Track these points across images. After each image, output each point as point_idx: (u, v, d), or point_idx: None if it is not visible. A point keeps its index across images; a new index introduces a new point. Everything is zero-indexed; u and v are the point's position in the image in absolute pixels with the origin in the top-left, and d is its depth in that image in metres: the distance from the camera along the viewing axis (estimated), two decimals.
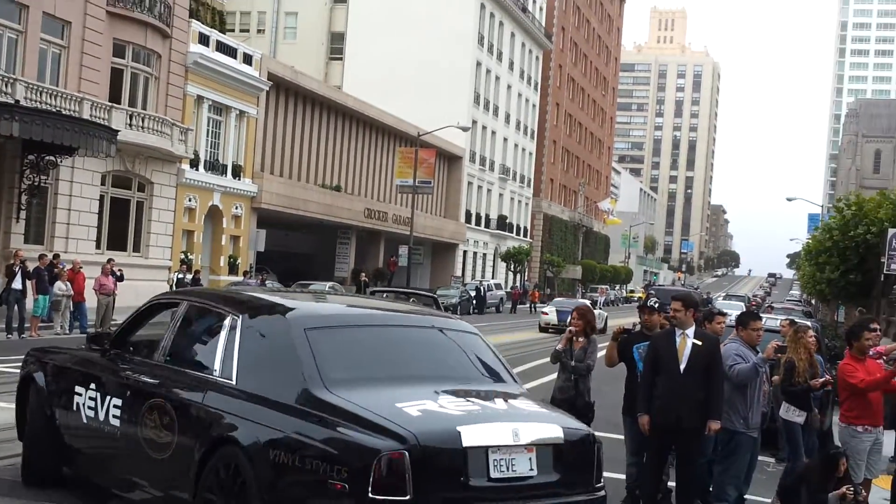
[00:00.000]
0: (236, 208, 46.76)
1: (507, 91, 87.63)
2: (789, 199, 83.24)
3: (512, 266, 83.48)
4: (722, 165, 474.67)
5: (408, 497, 5.99)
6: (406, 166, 60.38)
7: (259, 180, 48.40)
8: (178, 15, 40.06)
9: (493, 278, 78.35)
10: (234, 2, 70.40)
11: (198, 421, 7.10)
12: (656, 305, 11.07)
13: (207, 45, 42.92)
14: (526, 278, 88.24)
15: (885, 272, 25.91)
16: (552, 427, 6.80)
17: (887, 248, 23.60)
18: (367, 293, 28.64)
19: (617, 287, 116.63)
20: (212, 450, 6.85)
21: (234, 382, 7.05)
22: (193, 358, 7.80)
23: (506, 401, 7.09)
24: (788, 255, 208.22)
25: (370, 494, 5.94)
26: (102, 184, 36.91)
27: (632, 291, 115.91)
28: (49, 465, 8.93)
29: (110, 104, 35.55)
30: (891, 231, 24.40)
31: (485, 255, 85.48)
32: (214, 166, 44.79)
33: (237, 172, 46.51)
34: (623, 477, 10.80)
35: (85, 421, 8.40)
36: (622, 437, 10.91)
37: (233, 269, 45.91)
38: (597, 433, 6.54)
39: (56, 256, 29.33)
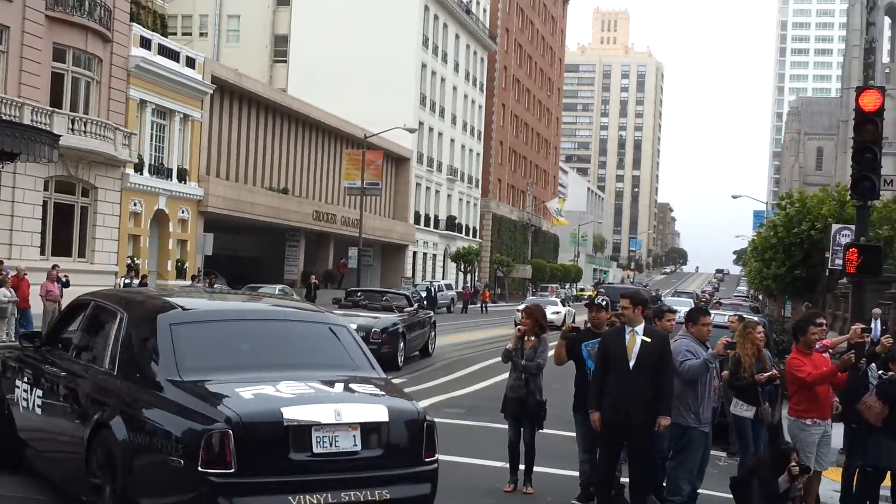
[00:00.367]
0: (183, 212, 46.35)
1: (453, 92, 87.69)
2: (734, 197, 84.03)
3: (462, 266, 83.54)
4: (668, 164, 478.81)
5: (232, 470, 6.75)
6: (353, 168, 60.24)
7: (205, 184, 48.02)
8: (118, 19, 39.61)
9: (443, 279, 78.34)
10: (175, 5, 69.69)
11: (86, 408, 8.03)
12: (603, 303, 11.11)
13: (149, 49, 42.50)
14: (476, 278, 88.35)
15: (829, 267, 26.18)
16: (378, 408, 7.47)
17: (831, 244, 23.83)
18: (346, 296, 29.92)
19: (567, 286, 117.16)
20: (93, 434, 7.68)
21: (114, 372, 8.00)
22: (91, 352, 8.73)
23: (347, 385, 7.78)
24: (735, 252, 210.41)
25: (199, 469, 6.71)
26: (45, 189, 36.42)
27: (582, 290, 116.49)
28: (9, 449, 9.54)
29: (51, 109, 35.08)
30: (834, 227, 24.67)
31: (434, 255, 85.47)
32: (159, 170, 44.36)
33: (183, 176, 46.11)
34: (577, 474, 10.82)
35: (21, 411, 9.32)
36: (575, 434, 10.92)
37: (180, 273, 45.49)
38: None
39: (0, 263, 28.85)
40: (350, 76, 73.91)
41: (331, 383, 7.77)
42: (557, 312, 49.35)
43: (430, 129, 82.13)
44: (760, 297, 78.91)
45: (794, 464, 9.96)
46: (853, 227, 18.59)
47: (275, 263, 61.41)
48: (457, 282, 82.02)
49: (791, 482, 9.99)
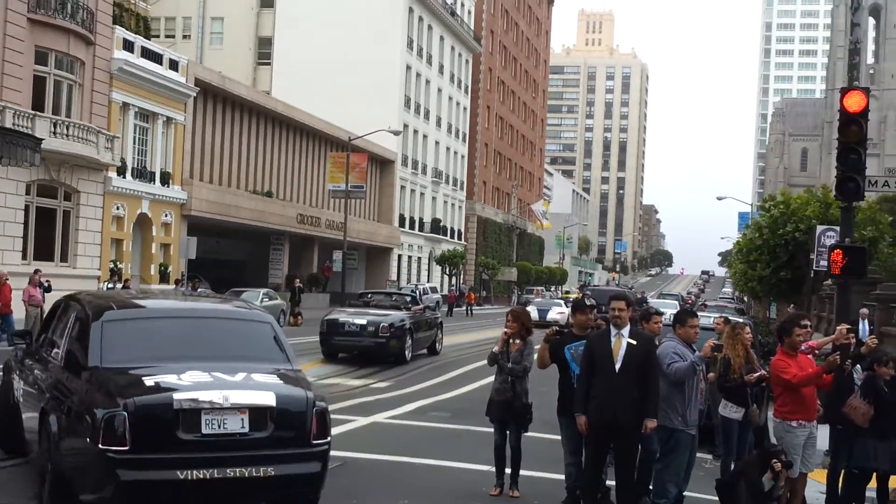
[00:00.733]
0: (166, 216, 46.16)
1: (438, 94, 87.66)
2: (719, 199, 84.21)
3: (447, 269, 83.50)
4: (653, 166, 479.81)
5: (127, 447, 7.71)
6: (338, 171, 60.13)
7: (188, 187, 47.84)
8: (101, 21, 39.42)
9: (428, 282, 78.25)
10: (158, 7, 69.55)
11: (40, 395, 9.20)
12: (590, 305, 11.06)
13: (132, 52, 42.32)
14: (461, 281, 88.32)
15: (814, 268, 26.19)
16: (266, 394, 8.32)
17: (816, 245, 23.84)
18: (359, 297, 32.32)
19: (553, 288, 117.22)
20: (42, 418, 8.80)
21: (62, 364, 9.22)
22: (55, 347, 9.81)
23: (249, 375, 8.57)
24: (720, 254, 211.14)
25: (99, 445, 7.69)
26: (27, 193, 36.20)
27: (567, 292, 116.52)
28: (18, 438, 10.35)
29: (33, 112, 34.88)
30: (819, 228, 24.68)
31: (419, 258, 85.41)
32: (142, 174, 44.18)
33: (166, 179, 45.92)
34: (563, 477, 10.76)
35: (13, 402, 10.51)
36: (560, 437, 10.87)
37: (164, 277, 45.32)
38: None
39: None
40: (334, 78, 73.83)
41: (233, 372, 8.52)
42: (562, 312, 51.66)
43: (415, 132, 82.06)
44: (745, 298, 79.07)
45: (775, 460, 9.94)
46: (838, 228, 18.60)
47: (259, 267, 61.24)
48: (442, 284, 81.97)
49: (775, 479, 9.97)
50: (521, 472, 11.23)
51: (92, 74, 39.11)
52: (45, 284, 28.68)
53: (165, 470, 7.84)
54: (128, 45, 42.11)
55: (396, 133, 66.75)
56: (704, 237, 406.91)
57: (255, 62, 77.77)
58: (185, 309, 10.28)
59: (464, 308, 71.02)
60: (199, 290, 37.90)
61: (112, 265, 40.28)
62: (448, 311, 66.62)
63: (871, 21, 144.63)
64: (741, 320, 14.85)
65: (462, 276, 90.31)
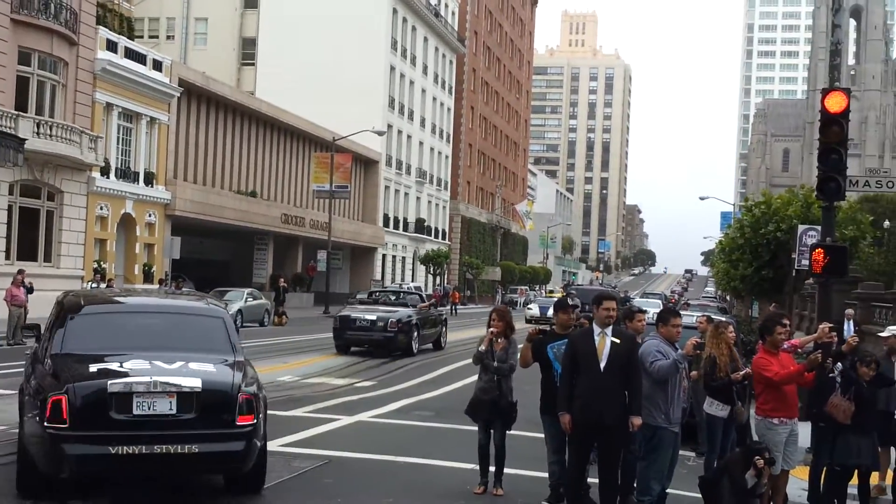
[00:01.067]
0: (150, 216, 46.08)
1: (422, 95, 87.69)
2: (702, 198, 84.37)
3: (431, 269, 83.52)
4: (636, 166, 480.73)
5: (66, 425, 8.74)
6: (322, 171, 60.12)
7: (172, 187, 47.77)
8: (84, 22, 39.33)
9: (412, 281, 78.28)
10: (142, 8, 69.33)
11: (26, 381, 10.25)
12: (572, 304, 11.13)
13: (116, 52, 42.24)
14: (446, 281, 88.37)
15: (795, 268, 26.37)
16: (194, 380, 9.21)
17: (797, 245, 23.96)
18: (370, 296, 35.67)
19: (536, 287, 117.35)
20: (19, 399, 10.12)
21: (41, 354, 10.27)
22: (47, 338, 10.67)
23: (186, 363, 9.53)
24: (703, 253, 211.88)
25: (45, 423, 8.78)
26: (10, 193, 36.09)
27: (551, 292, 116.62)
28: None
29: (16, 112, 34.77)
30: (800, 228, 24.81)
31: (404, 258, 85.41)
32: (126, 174, 44.08)
33: (150, 180, 45.84)
34: (546, 475, 10.82)
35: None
36: (543, 435, 10.93)
37: (147, 277, 45.22)
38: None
39: None
40: (318, 79, 73.81)
41: (173, 361, 9.53)
42: None
43: (399, 132, 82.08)
44: (728, 297, 79.34)
45: (758, 458, 10.02)
46: (819, 227, 18.72)
47: (243, 267, 61.16)
48: (426, 284, 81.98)
49: (758, 477, 10.05)
50: (505, 471, 11.28)
51: (75, 75, 39.01)
52: (28, 285, 28.59)
53: (100, 445, 8.86)
54: (111, 46, 42.01)
55: (381, 133, 66.81)
56: (687, 237, 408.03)
57: (239, 63, 77.62)
58: (145, 305, 11.55)
59: (448, 307, 70.96)
60: (182, 289, 37.83)
61: (96, 265, 40.19)
62: None
63: (853, 22, 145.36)
64: (724, 319, 14.95)
65: (446, 276, 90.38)
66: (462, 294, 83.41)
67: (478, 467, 11.37)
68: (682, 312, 13.02)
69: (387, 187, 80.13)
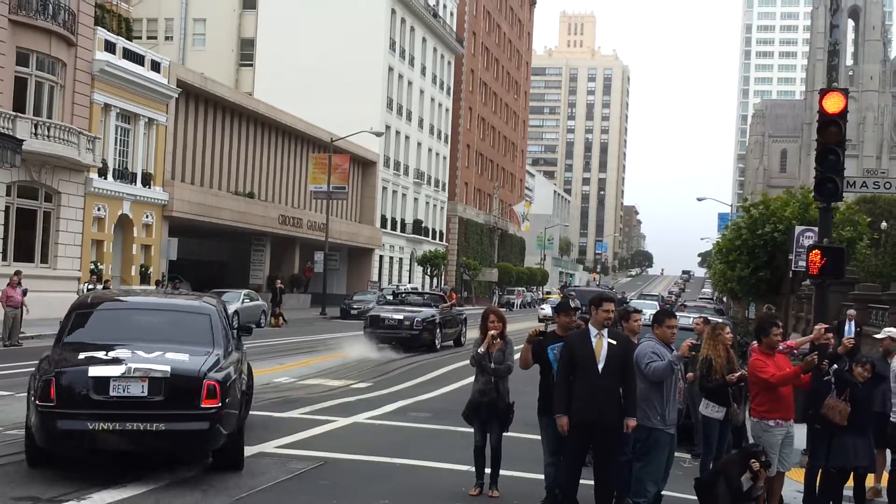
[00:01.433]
0: (147, 217, 46.05)
1: (420, 96, 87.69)
2: (699, 199, 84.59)
3: (428, 270, 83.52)
4: (633, 167, 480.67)
5: (53, 404, 10.24)
6: (320, 172, 60.13)
7: (170, 188, 47.74)
8: (82, 23, 39.32)
9: (409, 282, 78.29)
10: (140, 9, 69.26)
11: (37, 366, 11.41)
12: (574, 307, 11.09)
13: (114, 53, 42.22)
14: (443, 282, 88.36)
15: (793, 269, 26.34)
16: (162, 367, 10.54)
17: (794, 245, 23.93)
18: (395, 297, 39.81)
19: (533, 289, 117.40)
20: (29, 384, 11.17)
21: (53, 344, 11.86)
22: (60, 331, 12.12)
23: (163, 353, 10.87)
24: (700, 254, 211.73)
25: (37, 402, 10.36)
26: (8, 194, 36.07)
27: (548, 293, 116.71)
28: None
29: (14, 113, 34.76)
30: (797, 228, 24.78)
31: (401, 259, 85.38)
32: (124, 175, 44.06)
33: (147, 181, 45.82)
34: (542, 477, 10.81)
35: None
36: (540, 437, 10.92)
37: (144, 278, 45.18)
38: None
39: None
40: (316, 80, 73.78)
41: (153, 351, 10.91)
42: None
43: (397, 133, 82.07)
44: (724, 299, 79.36)
45: (754, 460, 10.02)
46: (816, 228, 18.70)
47: (240, 268, 61.14)
48: (423, 285, 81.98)
49: (753, 479, 10.05)
50: (501, 472, 11.27)
51: (73, 76, 39.00)
52: (24, 288, 28.51)
53: (81, 420, 10.27)
54: (109, 47, 42.00)
55: (378, 134, 66.82)
56: (685, 238, 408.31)
57: (237, 63, 77.61)
58: (142, 303, 13.27)
59: None
60: (179, 290, 37.81)
61: (92, 266, 40.16)
62: None
63: (851, 23, 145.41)
64: (721, 321, 14.94)
65: (443, 277, 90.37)
66: (459, 295, 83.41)
67: (473, 469, 11.36)
68: (679, 314, 13.00)
69: (384, 188, 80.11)
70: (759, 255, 35.39)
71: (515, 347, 11.39)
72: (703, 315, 19.30)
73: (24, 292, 28.39)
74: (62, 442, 10.47)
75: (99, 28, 41.79)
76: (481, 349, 11.12)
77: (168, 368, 10.55)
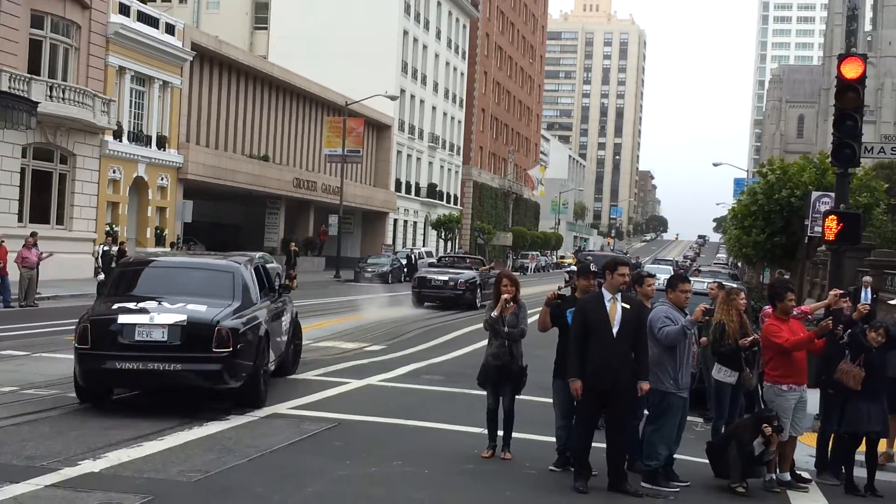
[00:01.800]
0: (162, 179, 46.12)
1: (435, 60, 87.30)
2: (715, 165, 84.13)
3: (442, 234, 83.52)
4: (649, 132, 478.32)
5: (89, 346, 12.08)
6: (335, 136, 60.07)
7: (185, 151, 47.77)
8: None
9: (423, 246, 78.28)
10: None
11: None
12: (594, 270, 11.05)
13: (128, 16, 42.15)
14: (457, 245, 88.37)
15: (809, 234, 26.23)
16: (180, 316, 12.21)
17: (811, 211, 23.82)
18: (439, 260, 44.82)
19: (547, 253, 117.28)
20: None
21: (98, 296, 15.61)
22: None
23: (185, 304, 12.48)
24: (715, 220, 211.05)
25: (76, 344, 12.24)
26: (23, 156, 36.16)
27: (562, 257, 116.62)
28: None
29: (29, 76, 34.77)
30: (814, 194, 24.66)
31: (415, 223, 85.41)
32: (139, 137, 44.09)
33: (162, 143, 45.85)
34: (553, 440, 10.85)
35: None
36: (552, 400, 10.94)
37: (159, 240, 45.32)
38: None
39: None
40: (331, 43, 73.50)
41: (177, 303, 12.53)
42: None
43: (412, 97, 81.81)
44: (739, 264, 79.17)
45: (766, 425, 10.04)
46: (833, 194, 18.61)
47: (255, 231, 61.26)
48: (437, 249, 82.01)
49: (766, 444, 10.07)
50: (513, 435, 11.31)
51: (88, 38, 38.94)
52: (41, 252, 28.52)
53: (111, 361, 12.09)
54: (124, 9, 41.92)
55: (393, 98, 66.65)
56: (700, 203, 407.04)
57: (251, 27, 77.41)
58: (174, 262, 15.43)
59: None
60: (193, 252, 37.93)
61: (108, 228, 40.27)
62: None
63: None
64: (736, 286, 14.92)
65: (457, 241, 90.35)
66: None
67: (486, 431, 11.40)
68: (693, 279, 12.99)
69: (399, 152, 79.98)
70: (775, 220, 35.26)
71: (530, 311, 11.38)
72: (717, 280, 19.28)
73: (42, 255, 28.39)
74: (95, 378, 12.38)
75: None
76: (495, 313, 11.11)
77: (185, 317, 12.21)
